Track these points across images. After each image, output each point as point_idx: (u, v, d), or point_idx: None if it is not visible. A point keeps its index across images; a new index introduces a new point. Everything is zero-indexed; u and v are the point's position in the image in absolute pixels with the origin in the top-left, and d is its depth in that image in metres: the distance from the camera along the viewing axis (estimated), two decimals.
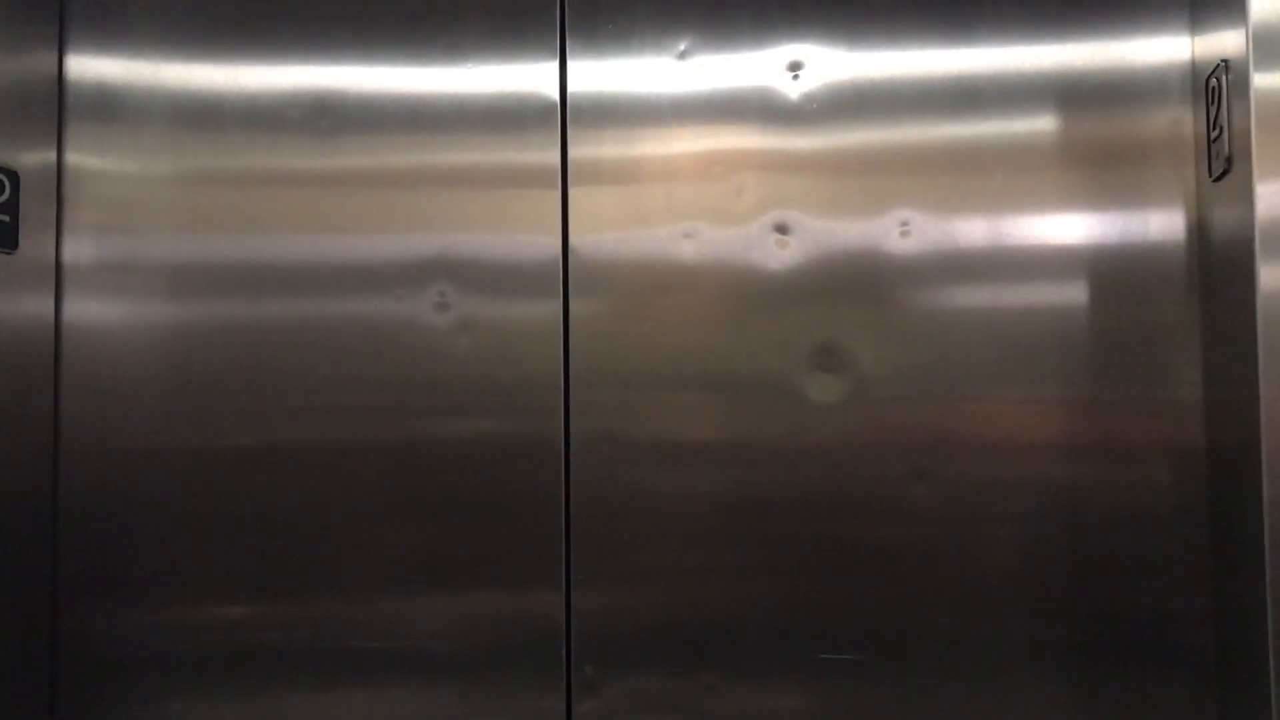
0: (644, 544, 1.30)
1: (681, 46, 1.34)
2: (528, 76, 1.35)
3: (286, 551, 1.30)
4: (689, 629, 1.28)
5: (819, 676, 1.26)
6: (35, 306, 1.28)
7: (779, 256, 1.31)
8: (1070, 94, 1.33)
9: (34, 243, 1.29)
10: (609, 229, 1.33)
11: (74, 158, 1.35)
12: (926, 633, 1.28)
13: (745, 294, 1.31)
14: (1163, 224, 1.31)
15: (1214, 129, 1.20)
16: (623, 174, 1.34)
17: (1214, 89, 1.19)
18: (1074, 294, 1.32)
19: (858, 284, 1.30)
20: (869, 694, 1.26)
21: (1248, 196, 1.09)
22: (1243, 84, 1.10)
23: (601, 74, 1.35)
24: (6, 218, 1.23)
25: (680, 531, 1.29)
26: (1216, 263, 1.22)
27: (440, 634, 1.29)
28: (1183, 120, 1.31)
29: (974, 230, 1.32)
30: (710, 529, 1.29)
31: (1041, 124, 1.33)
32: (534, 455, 1.29)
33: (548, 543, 1.29)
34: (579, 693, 1.27)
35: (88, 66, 1.38)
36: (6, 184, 1.23)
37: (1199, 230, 1.28)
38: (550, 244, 1.32)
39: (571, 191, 1.33)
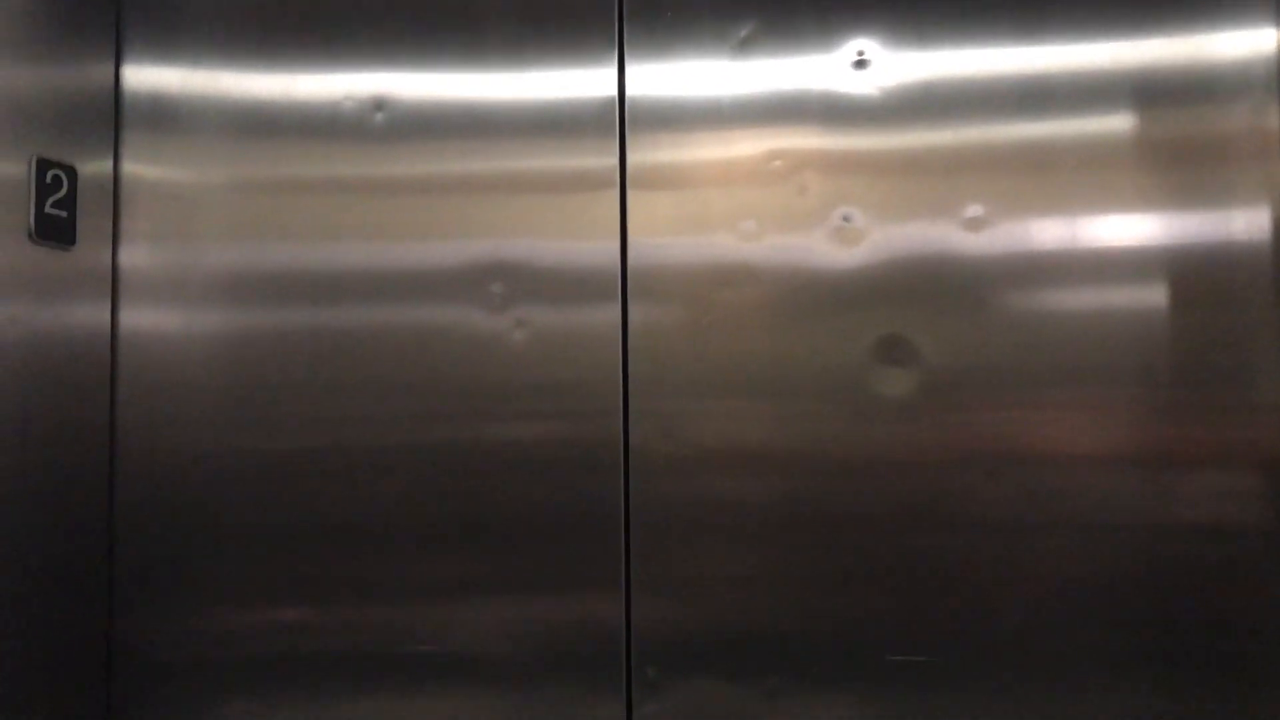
0: (705, 549, 1.27)
1: (742, 38, 1.31)
2: (586, 81, 1.32)
3: (341, 556, 1.28)
4: (750, 635, 1.26)
5: (882, 684, 1.24)
6: (92, 312, 1.28)
7: (842, 257, 1.28)
8: (1149, 88, 1.28)
9: (91, 249, 1.28)
10: (668, 231, 1.30)
11: (130, 166, 1.35)
12: (994, 642, 1.25)
13: (808, 296, 1.28)
14: (1246, 222, 1.27)
15: None
16: (682, 176, 1.31)
17: None
18: (1154, 295, 1.28)
19: (925, 284, 1.26)
20: (932, 703, 1.24)
21: None
22: None
23: (660, 76, 1.32)
24: (64, 213, 1.23)
25: (741, 536, 1.26)
26: None
27: (498, 640, 1.28)
28: (1267, 114, 1.26)
29: (1048, 230, 1.28)
30: (771, 534, 1.26)
31: (1119, 119, 1.28)
32: (593, 460, 1.27)
33: (607, 548, 1.27)
34: (639, 698, 1.25)
35: (144, 76, 1.37)
36: (64, 179, 1.23)
37: None
38: (609, 248, 1.30)
39: (630, 194, 1.30)
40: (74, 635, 1.19)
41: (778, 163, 1.30)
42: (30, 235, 1.19)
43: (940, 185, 1.28)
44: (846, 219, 1.28)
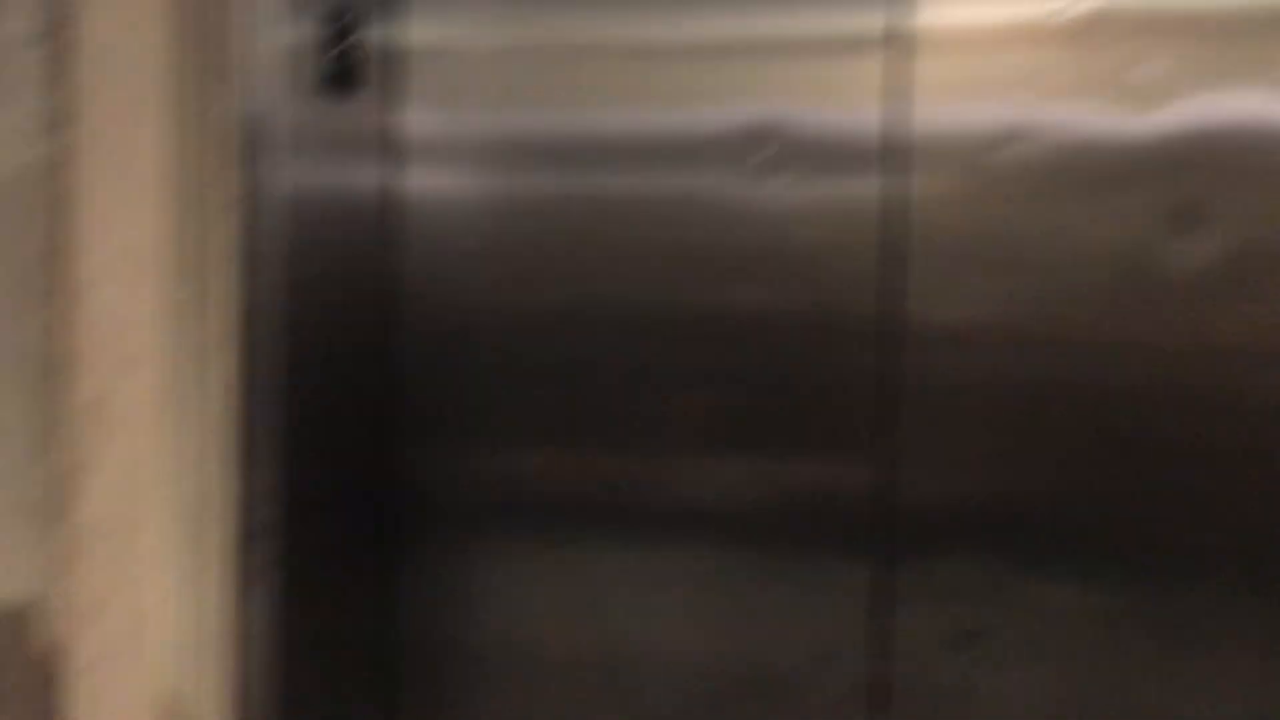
0: (971, 422, 1.21)
1: None
2: None
3: (600, 410, 1.27)
4: (1013, 510, 1.21)
5: (1140, 575, 1.19)
6: (373, 172, 1.28)
7: (1138, 123, 1.19)
8: None
9: (373, 108, 1.27)
10: (952, 96, 1.22)
11: (417, 26, 1.32)
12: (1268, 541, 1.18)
13: (1097, 165, 1.16)
14: None
15: None
16: (970, 36, 1.21)
17: None
18: None
19: (1232, 158, 1.19)
20: (1188, 596, 1.18)
21: None
22: None
23: None
24: (348, 69, 1.21)
25: (1010, 416, 1.19)
26: None
27: (754, 499, 1.25)
28: None
29: None
30: (1043, 415, 1.19)
31: None
32: (855, 329, 1.22)
33: (867, 416, 1.22)
34: (894, 567, 1.21)
35: None
36: (351, 35, 1.20)
37: None
38: (884, 113, 1.22)
39: (911, 57, 1.23)
40: (360, 474, 1.26)
41: (1076, 21, 1.22)
42: (316, 90, 1.19)
43: (1259, 49, 1.19)
44: (1147, 81, 1.19)
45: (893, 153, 1.21)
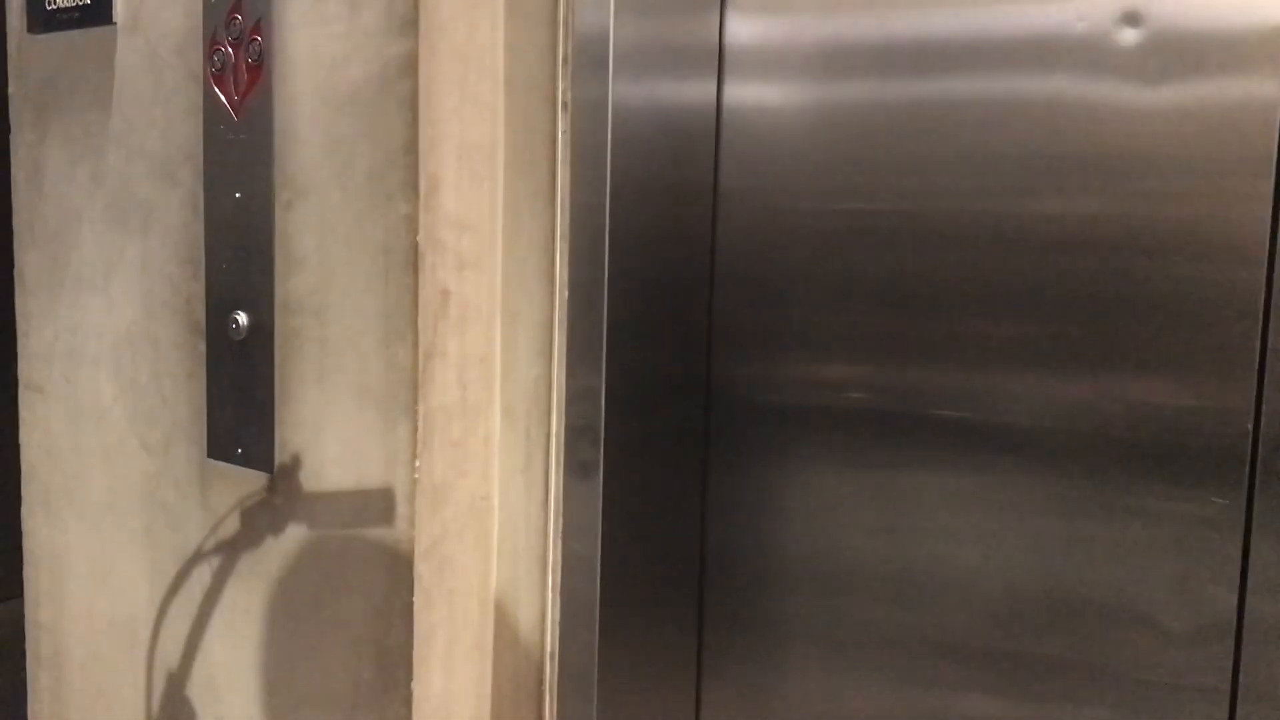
0: None
1: None
2: None
3: (926, 322, 1.24)
4: None
5: None
6: (703, 83, 1.29)
7: None
8: None
9: (698, 19, 1.27)
10: None
11: None
12: None
13: None
14: None
15: None
16: None
17: None
18: None
19: None
20: None
21: None
22: None
23: None
24: None
25: None
26: None
27: (1111, 423, 1.20)
28: None
29: None
30: None
31: None
32: (1239, 247, 1.14)
33: (1238, 336, 1.16)
34: (1262, 491, 1.16)
35: None
36: None
37: None
38: (1273, 4, 1.14)
39: None
40: (675, 377, 1.29)
41: None
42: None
43: None
44: None
45: (1271, 45, 1.10)
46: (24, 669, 1.51)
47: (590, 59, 1.14)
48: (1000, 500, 1.20)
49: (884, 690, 1.26)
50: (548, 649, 1.12)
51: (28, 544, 1.46)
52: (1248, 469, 1.12)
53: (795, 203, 1.29)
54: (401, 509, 1.06)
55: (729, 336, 1.31)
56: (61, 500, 1.41)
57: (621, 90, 1.14)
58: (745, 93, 1.31)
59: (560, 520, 1.11)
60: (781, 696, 1.30)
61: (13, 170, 1.42)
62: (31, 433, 1.44)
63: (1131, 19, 1.13)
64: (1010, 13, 1.18)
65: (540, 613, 1.11)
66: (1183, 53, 1.11)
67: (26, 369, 1.44)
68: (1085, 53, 1.15)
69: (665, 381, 1.26)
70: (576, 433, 1.11)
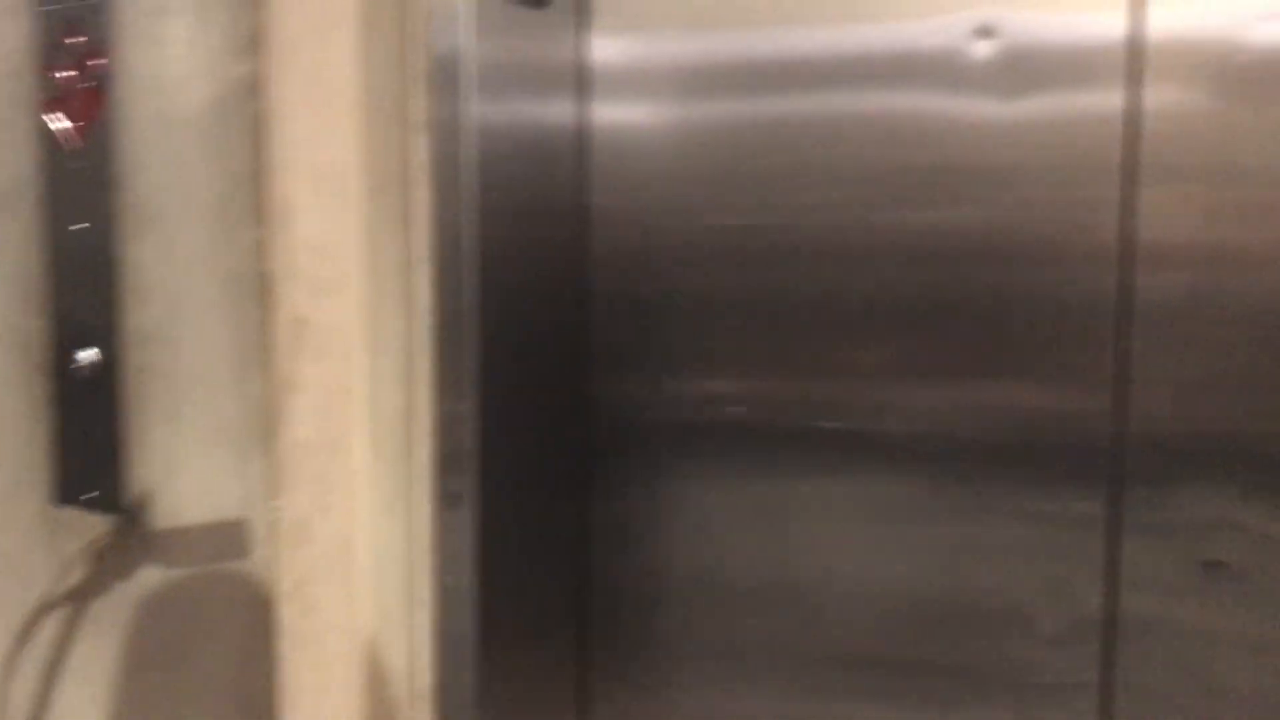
0: (1205, 348, 1.16)
1: None
2: None
3: (801, 335, 1.24)
4: (1254, 446, 1.15)
5: None
6: (567, 101, 1.27)
7: None
8: None
9: (558, 43, 1.25)
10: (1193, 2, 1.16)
11: None
12: None
13: None
14: None
15: None
16: None
17: None
18: None
19: None
20: None
21: None
22: None
23: None
24: None
25: (1247, 339, 1.15)
26: None
27: (978, 428, 1.21)
28: None
29: None
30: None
31: None
32: (1090, 253, 1.16)
33: (1096, 340, 1.16)
34: (1124, 496, 1.17)
35: None
36: None
37: None
38: (1116, 20, 1.17)
39: None
40: (550, 398, 1.27)
41: None
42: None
43: None
44: None
45: (1120, 61, 1.14)
46: None
47: (448, 78, 1.11)
48: (879, 508, 1.21)
49: (774, 701, 1.26)
50: (420, 689, 1.07)
51: None
52: (1111, 469, 1.15)
53: (667, 220, 1.28)
54: (261, 549, 1.02)
55: (606, 355, 1.30)
56: None
57: (481, 109, 1.12)
58: (612, 111, 1.30)
59: (432, 554, 1.07)
60: (673, 715, 1.29)
61: None
62: None
63: (985, 32, 1.16)
64: (868, 32, 1.20)
65: (411, 651, 1.07)
66: (1033, 66, 1.14)
67: None
68: (941, 67, 1.17)
69: (540, 403, 1.24)
70: (445, 461, 1.07)
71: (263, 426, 1.01)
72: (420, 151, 1.09)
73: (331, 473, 1.04)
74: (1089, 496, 1.16)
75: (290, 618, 1.01)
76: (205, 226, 1.03)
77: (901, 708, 1.23)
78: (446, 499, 1.07)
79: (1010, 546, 1.18)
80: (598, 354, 1.31)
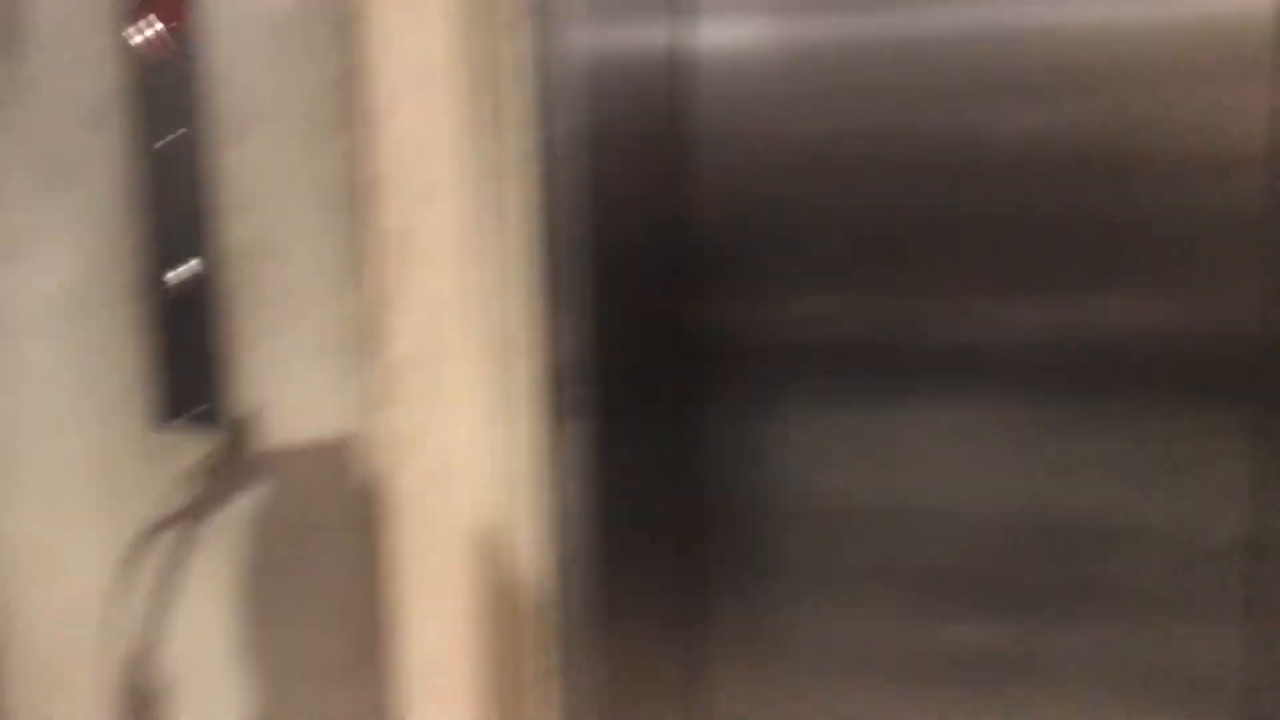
0: None
1: None
2: None
3: (930, 254, 1.18)
4: None
5: None
6: (664, 16, 1.20)
7: None
8: None
9: None
10: None
11: None
12: None
13: None
14: None
15: None
16: None
17: None
18: None
19: None
20: None
21: None
22: None
23: None
24: None
25: None
26: None
27: (1112, 344, 1.15)
28: None
29: None
30: None
31: None
32: (1238, 160, 1.09)
33: (1242, 254, 1.11)
34: (1266, 415, 1.11)
35: None
36: None
37: None
38: None
39: None
40: (659, 311, 1.21)
41: None
42: None
43: None
44: None
45: None
46: None
47: None
48: (1006, 427, 1.16)
49: (888, 621, 1.22)
50: (540, 602, 1.05)
51: None
52: (1254, 384, 1.08)
53: (778, 129, 1.22)
54: (370, 464, 0.99)
55: (714, 273, 1.25)
56: (3, 480, 1.32)
57: (580, 7, 1.06)
58: (722, 13, 1.23)
59: (544, 467, 1.04)
60: (789, 633, 1.26)
61: None
62: None
63: None
64: None
65: (529, 566, 1.05)
66: None
67: None
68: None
69: (647, 319, 1.19)
70: (559, 373, 1.04)
71: (366, 339, 0.98)
72: (517, 50, 1.04)
73: (439, 386, 1.01)
74: (1231, 412, 1.10)
75: (400, 534, 0.99)
76: (299, 133, 0.99)
77: (1031, 629, 1.18)
78: (558, 412, 1.04)
79: (1148, 466, 1.12)
80: (706, 271, 1.26)
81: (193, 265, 1.08)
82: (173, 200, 1.10)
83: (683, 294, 1.24)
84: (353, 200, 0.98)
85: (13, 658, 1.35)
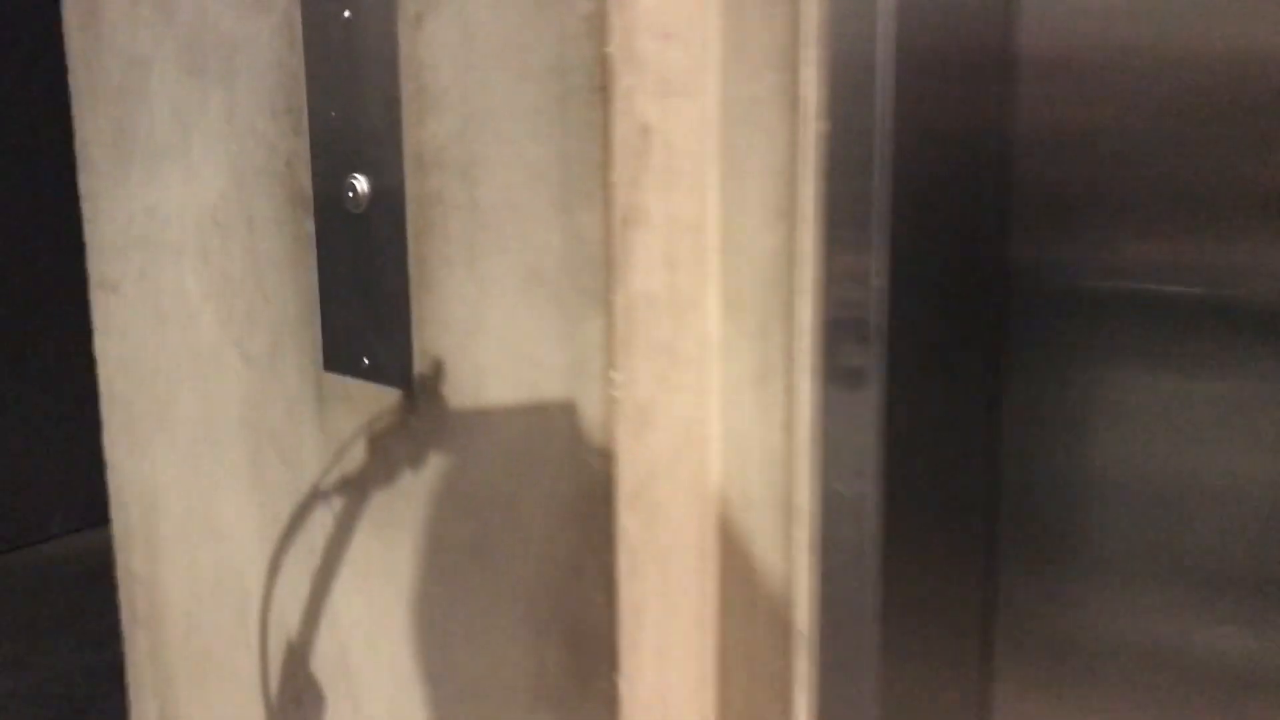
0: None
1: None
2: None
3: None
4: None
5: None
6: None
7: None
8: None
9: None
10: None
11: None
12: None
13: None
14: None
15: None
16: None
17: None
18: None
19: None
20: None
21: None
22: None
23: None
24: None
25: None
26: None
27: None
28: None
29: None
30: None
31: None
32: None
33: None
34: None
35: None
36: None
37: None
38: None
39: None
40: (965, 253, 1.04)
41: None
42: None
43: None
44: None
45: None
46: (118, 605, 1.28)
47: None
48: None
49: (1211, 625, 0.95)
50: (797, 627, 0.82)
51: (112, 478, 1.21)
52: None
53: (1120, 43, 0.94)
54: (594, 437, 0.77)
55: (1034, 204, 0.98)
56: (147, 426, 1.15)
57: None
58: None
59: (814, 449, 0.80)
60: (1109, 647, 1.00)
61: (64, 13, 1.14)
62: (107, 342, 1.18)
63: None
64: None
65: (785, 577, 0.81)
66: None
67: (96, 263, 1.17)
68: None
69: (953, 259, 0.93)
70: (837, 327, 0.79)
71: (597, 276, 0.75)
72: None
73: (684, 339, 0.77)
74: None
75: (633, 530, 0.76)
76: (512, 4, 0.76)
77: None
78: (837, 377, 0.79)
79: None
80: (1024, 202, 0.99)
81: (373, 177, 0.87)
82: (351, 92, 0.88)
83: (1005, 227, 0.97)
84: (584, 88, 0.74)
85: (165, 627, 1.19)
